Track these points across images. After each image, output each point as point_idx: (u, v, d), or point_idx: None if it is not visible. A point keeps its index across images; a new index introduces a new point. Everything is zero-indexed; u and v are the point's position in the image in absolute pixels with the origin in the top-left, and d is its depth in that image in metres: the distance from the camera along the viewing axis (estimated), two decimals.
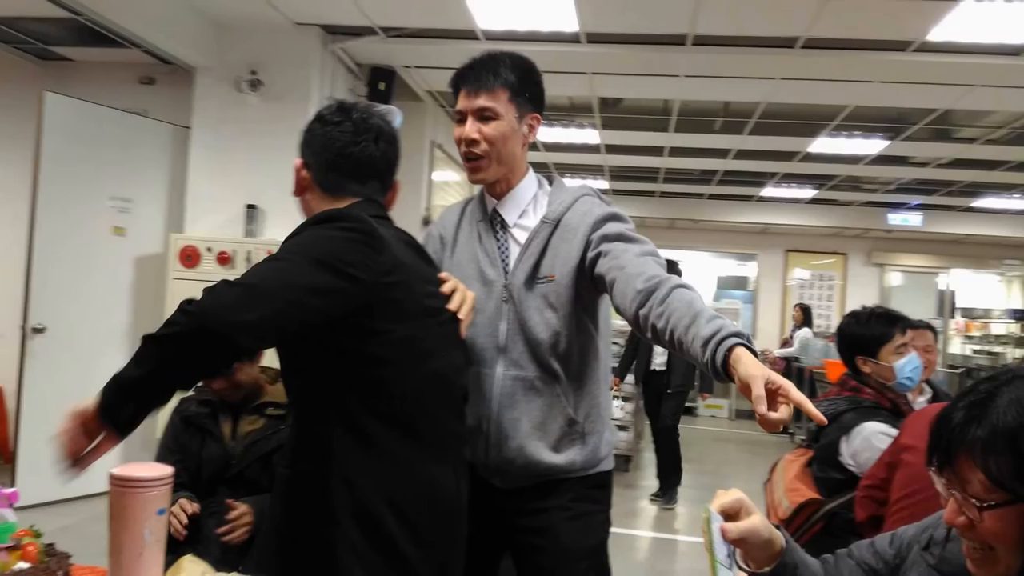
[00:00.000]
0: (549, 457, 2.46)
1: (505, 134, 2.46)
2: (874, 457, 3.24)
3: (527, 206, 2.56)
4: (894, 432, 3.27)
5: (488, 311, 2.50)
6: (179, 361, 1.85)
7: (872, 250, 16.40)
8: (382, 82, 7.25)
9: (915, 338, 3.87)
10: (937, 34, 5.95)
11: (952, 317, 15.99)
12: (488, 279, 2.51)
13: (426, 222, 8.84)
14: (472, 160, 2.50)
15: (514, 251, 2.50)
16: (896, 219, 14.55)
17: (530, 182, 2.60)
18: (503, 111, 2.45)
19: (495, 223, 2.56)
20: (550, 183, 2.67)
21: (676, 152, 10.91)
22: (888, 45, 6.33)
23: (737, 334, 1.86)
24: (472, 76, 2.48)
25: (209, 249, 6.38)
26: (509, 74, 2.46)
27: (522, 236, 2.51)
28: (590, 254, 2.40)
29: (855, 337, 3.69)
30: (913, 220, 14.55)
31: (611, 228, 2.39)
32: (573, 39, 6.54)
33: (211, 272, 6.25)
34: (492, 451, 2.49)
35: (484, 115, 2.44)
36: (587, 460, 2.51)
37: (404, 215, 8.30)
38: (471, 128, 2.45)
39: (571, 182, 2.68)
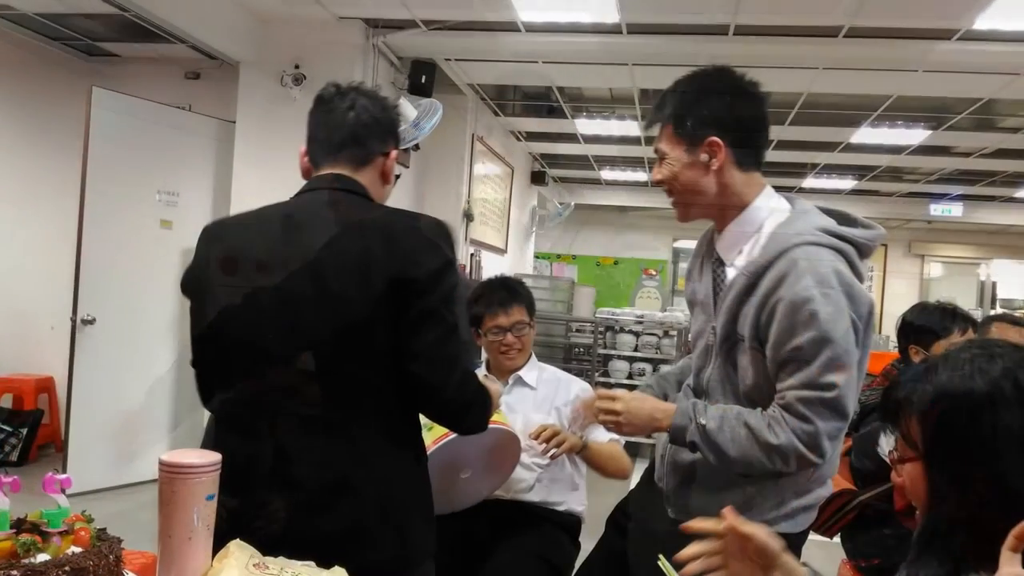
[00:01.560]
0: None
1: (679, 171, 2.30)
2: None
3: (747, 244, 2.28)
4: None
5: (700, 346, 2.44)
6: None
7: (913, 241, 16.22)
8: (423, 75, 7.23)
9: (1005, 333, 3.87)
10: (983, 22, 5.84)
11: (993, 308, 15.79)
12: (707, 315, 2.40)
13: (466, 216, 8.82)
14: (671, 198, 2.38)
15: (725, 297, 2.31)
16: (937, 210, 14.39)
17: (756, 215, 2.28)
18: (669, 150, 2.30)
19: (714, 259, 2.41)
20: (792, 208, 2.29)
21: None
22: (933, 34, 6.23)
23: None
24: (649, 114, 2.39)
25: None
26: (668, 105, 2.32)
27: (735, 280, 2.29)
28: (762, 326, 2.17)
29: (914, 326, 3.70)
30: (955, 211, 14.39)
31: (801, 334, 2.10)
32: (615, 30, 6.49)
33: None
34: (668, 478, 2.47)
35: (660, 155, 2.34)
36: None
37: (443, 208, 8.30)
38: (656, 170, 2.34)
39: (804, 210, 2.26)
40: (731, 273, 2.28)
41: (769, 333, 2.11)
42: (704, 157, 2.24)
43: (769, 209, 2.27)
